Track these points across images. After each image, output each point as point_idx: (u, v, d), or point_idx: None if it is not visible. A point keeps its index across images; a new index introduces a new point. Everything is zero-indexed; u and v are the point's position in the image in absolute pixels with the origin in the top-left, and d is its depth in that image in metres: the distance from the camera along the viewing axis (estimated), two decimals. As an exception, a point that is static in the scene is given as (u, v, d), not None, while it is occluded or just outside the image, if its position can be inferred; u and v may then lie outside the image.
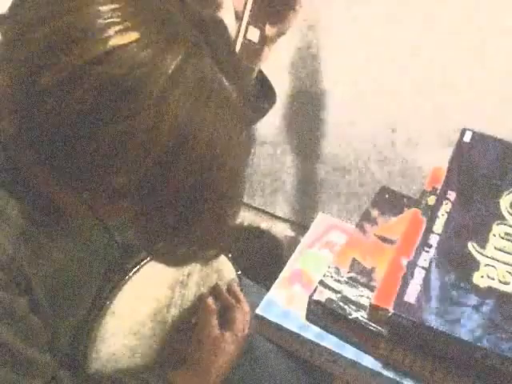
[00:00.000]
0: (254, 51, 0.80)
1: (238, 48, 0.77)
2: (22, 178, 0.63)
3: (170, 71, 0.55)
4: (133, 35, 0.55)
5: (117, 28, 0.55)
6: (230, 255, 0.94)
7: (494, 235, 1.00)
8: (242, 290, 0.97)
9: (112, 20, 0.55)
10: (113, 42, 0.54)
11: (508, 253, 0.98)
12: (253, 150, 0.66)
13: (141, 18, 0.56)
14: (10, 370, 0.62)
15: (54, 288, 0.69)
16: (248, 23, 0.77)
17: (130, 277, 0.80)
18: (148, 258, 0.81)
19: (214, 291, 0.92)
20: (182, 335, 0.89)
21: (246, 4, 0.76)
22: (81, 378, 0.78)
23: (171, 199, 0.59)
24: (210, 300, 0.90)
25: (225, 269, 0.94)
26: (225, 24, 0.63)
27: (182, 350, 0.87)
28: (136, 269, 0.80)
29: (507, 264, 0.96)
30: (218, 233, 0.65)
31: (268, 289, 1.07)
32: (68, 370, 0.76)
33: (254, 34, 0.78)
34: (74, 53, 0.54)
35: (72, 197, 0.63)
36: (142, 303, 0.84)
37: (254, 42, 0.79)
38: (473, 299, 0.92)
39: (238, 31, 0.78)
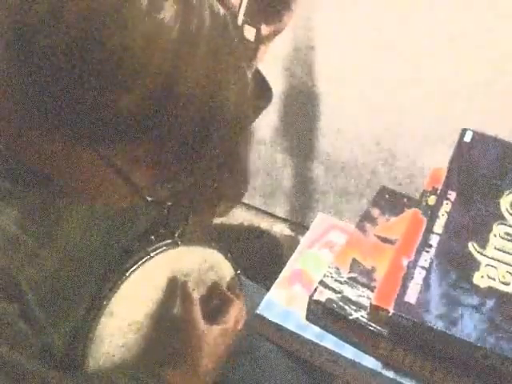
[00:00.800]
0: (251, 50, 0.80)
1: None
2: (22, 178, 0.63)
3: None
4: None
5: None
6: (229, 255, 0.94)
7: (495, 235, 1.00)
8: (241, 289, 0.97)
9: None
10: None
11: (508, 253, 0.98)
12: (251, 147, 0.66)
13: None
14: None
15: (54, 288, 0.69)
16: (244, 22, 0.77)
17: (128, 276, 0.79)
18: (146, 257, 0.81)
19: (213, 288, 0.91)
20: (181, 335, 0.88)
21: (241, 3, 0.76)
22: (79, 378, 0.77)
23: (180, 128, 0.58)
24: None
25: (224, 268, 0.93)
26: None
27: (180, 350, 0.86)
28: (133, 268, 0.80)
29: (508, 264, 0.96)
30: (232, 161, 0.64)
31: (268, 289, 1.07)
32: (67, 370, 0.76)
33: (250, 33, 0.78)
34: None
35: (89, 158, 0.60)
36: (140, 303, 0.83)
37: (250, 41, 0.79)
38: (473, 299, 0.92)
39: None
